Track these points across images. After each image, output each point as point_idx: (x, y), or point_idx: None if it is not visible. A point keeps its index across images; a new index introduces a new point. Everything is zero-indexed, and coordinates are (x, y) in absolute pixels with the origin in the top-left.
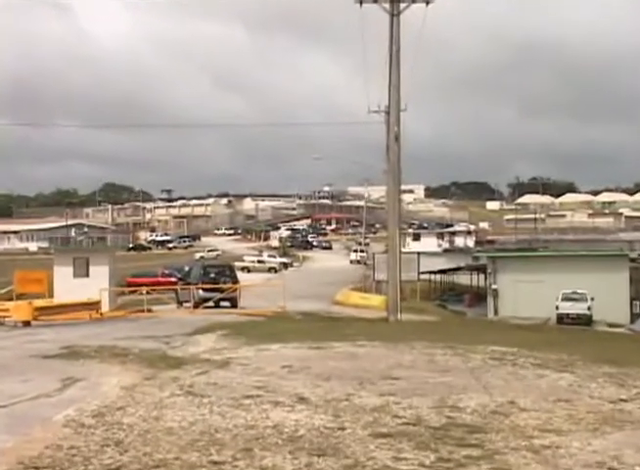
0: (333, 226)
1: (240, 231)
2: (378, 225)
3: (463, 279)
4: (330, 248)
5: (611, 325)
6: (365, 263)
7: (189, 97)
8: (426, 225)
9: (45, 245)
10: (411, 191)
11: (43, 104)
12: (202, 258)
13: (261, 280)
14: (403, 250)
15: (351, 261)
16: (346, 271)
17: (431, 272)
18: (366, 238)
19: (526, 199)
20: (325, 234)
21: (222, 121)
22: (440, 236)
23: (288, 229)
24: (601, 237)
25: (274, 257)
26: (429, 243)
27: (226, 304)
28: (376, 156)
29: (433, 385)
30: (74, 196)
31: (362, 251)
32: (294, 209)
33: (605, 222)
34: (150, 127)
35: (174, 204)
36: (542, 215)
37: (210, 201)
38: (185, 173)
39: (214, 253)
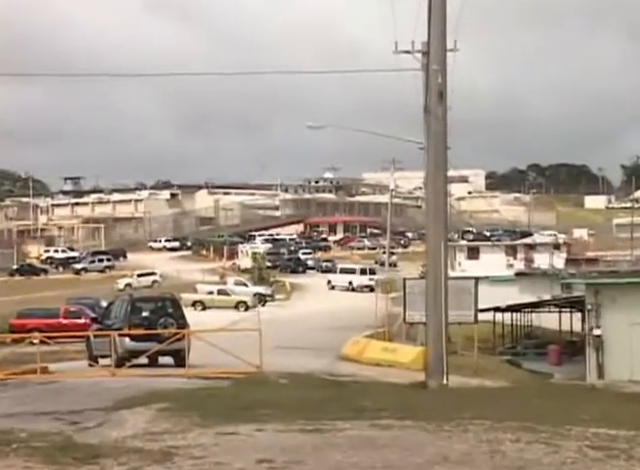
0: (338, 235)
1: (190, 244)
2: (411, 234)
3: (547, 320)
4: (334, 270)
5: None
6: (373, 289)
7: (107, 31)
8: (488, 234)
9: None
10: (465, 180)
11: None
12: (128, 286)
13: (224, 322)
14: (452, 273)
15: (352, 288)
16: (361, 307)
17: (496, 309)
18: (392, 254)
19: None
20: (326, 248)
21: (161, 69)
22: (512, 251)
23: (267, 240)
24: None
25: (245, 285)
26: (493, 262)
27: (168, 360)
28: (408, 124)
29: None
30: None
31: (372, 272)
32: (276, 207)
33: None
34: (45, 78)
35: (84, 200)
36: None
37: (143, 195)
38: (102, 151)
39: (149, 278)
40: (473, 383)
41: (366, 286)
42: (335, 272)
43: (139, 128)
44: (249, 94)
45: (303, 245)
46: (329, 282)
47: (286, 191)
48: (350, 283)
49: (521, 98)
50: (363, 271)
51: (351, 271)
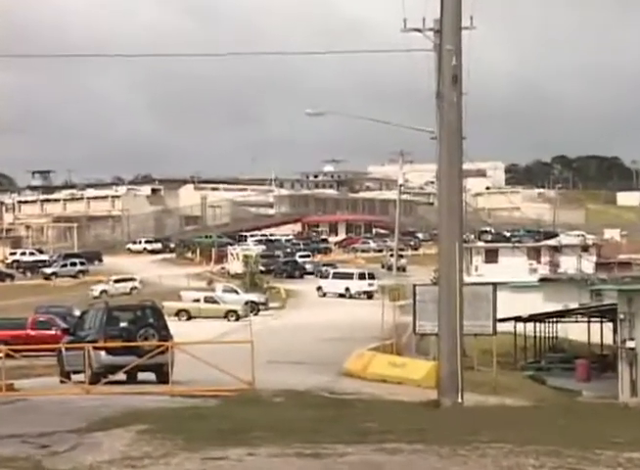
0: (340, 236)
1: (173, 245)
2: (421, 235)
3: (575, 331)
4: (324, 275)
5: None
6: (371, 296)
7: (82, 7)
8: (508, 234)
9: None
10: (483, 174)
11: None
12: (104, 293)
13: (212, 333)
14: (468, 278)
15: (349, 296)
16: (364, 317)
17: (517, 319)
18: (401, 257)
19: None
20: (326, 250)
21: (143, 51)
22: (535, 254)
23: (260, 241)
24: None
25: (235, 292)
26: (514, 266)
27: (149, 376)
28: (418, 111)
29: None
30: None
31: (371, 276)
32: (270, 205)
33: None
34: (11, 59)
35: (55, 196)
36: None
37: (120, 191)
38: (75, 142)
39: (128, 284)
40: (491, 402)
41: (365, 292)
42: (326, 277)
43: (116, 116)
44: (241, 78)
45: (301, 247)
46: (319, 289)
47: (281, 186)
48: (347, 289)
49: (545, 82)
50: (362, 276)
51: (348, 276)
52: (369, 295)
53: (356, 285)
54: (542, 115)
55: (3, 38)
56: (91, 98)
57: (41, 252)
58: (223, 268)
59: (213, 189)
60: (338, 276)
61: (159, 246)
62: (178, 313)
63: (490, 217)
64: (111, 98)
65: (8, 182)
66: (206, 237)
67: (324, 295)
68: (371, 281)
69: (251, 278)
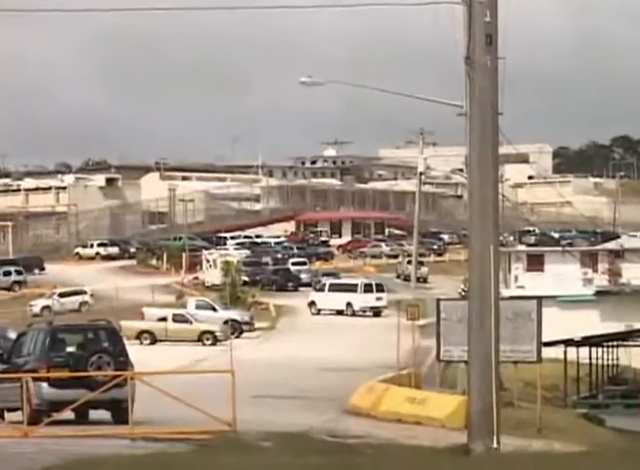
0: (345, 238)
1: (133, 250)
2: (447, 236)
3: None
4: (319, 287)
5: None
6: (379, 313)
7: None
8: (557, 236)
9: None
10: (524, 159)
11: None
12: (47, 310)
13: (183, 361)
14: (506, 291)
15: (351, 312)
16: (372, 340)
17: (568, 343)
18: (421, 264)
19: None
20: (327, 256)
21: (88, 4)
22: (590, 260)
23: (243, 244)
24: None
25: (212, 308)
26: (563, 275)
27: (103, 414)
28: (442, 80)
29: None
30: None
31: (380, 288)
32: (256, 198)
33: None
34: None
35: None
36: None
37: (67, 181)
38: (8, 120)
39: (76, 299)
40: (535, 447)
41: (372, 308)
42: (321, 290)
43: (60, 87)
44: (218, 39)
45: (295, 251)
46: (312, 304)
47: (270, 175)
48: (349, 305)
49: (604, 43)
50: (368, 288)
51: (350, 288)
52: (376, 312)
53: (361, 299)
54: (599, 84)
55: None
56: (28, 64)
57: None
58: (197, 279)
59: (184, 179)
60: (336, 288)
61: (115, 250)
62: (140, 335)
63: (534, 214)
64: (53, 64)
65: None
66: (175, 239)
67: (318, 312)
68: (379, 294)
69: (232, 291)
